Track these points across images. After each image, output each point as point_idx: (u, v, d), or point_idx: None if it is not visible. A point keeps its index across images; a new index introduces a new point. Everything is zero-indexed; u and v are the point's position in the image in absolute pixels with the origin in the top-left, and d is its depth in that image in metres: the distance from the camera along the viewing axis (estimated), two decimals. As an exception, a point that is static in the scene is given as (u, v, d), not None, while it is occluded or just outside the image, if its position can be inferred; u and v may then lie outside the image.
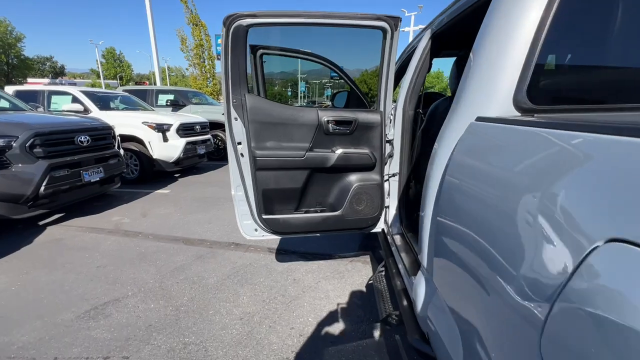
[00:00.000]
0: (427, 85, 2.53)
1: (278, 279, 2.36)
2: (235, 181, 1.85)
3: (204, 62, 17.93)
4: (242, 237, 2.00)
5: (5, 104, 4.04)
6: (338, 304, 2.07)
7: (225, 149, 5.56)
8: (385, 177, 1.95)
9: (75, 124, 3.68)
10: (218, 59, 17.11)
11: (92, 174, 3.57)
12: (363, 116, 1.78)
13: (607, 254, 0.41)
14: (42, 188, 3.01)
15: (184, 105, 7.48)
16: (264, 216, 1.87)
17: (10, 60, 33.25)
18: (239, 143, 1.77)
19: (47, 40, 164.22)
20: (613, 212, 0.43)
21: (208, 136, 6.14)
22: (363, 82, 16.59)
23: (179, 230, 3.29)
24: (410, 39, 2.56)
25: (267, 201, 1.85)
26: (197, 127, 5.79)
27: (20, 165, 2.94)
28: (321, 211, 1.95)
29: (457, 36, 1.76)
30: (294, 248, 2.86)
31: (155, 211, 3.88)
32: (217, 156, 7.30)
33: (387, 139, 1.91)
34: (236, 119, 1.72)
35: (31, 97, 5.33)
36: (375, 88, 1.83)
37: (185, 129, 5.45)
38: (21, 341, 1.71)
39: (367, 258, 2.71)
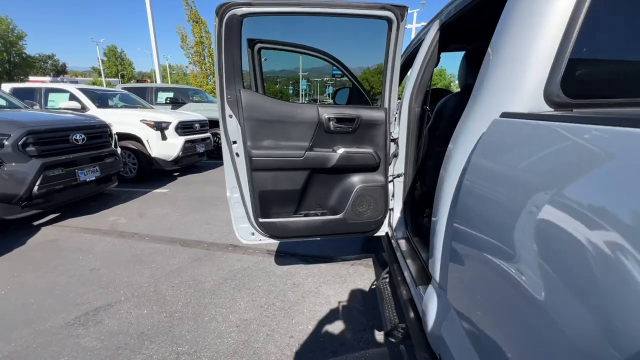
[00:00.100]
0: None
1: (277, 283, 2.27)
2: (231, 182, 1.74)
3: (204, 59, 17.84)
4: (240, 239, 1.92)
5: (1, 102, 3.96)
6: (339, 311, 1.98)
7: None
8: (390, 178, 1.85)
9: (71, 122, 3.60)
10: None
11: (87, 173, 3.49)
12: (366, 113, 1.68)
13: None
14: (36, 187, 2.93)
15: (184, 103, 7.39)
16: (261, 220, 1.77)
17: (12, 59, 33.21)
18: (234, 142, 1.66)
19: (48, 38, 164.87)
20: None
21: (208, 134, 6.05)
22: (365, 80, 16.41)
23: (176, 231, 3.20)
24: (413, 37, 2.45)
25: (264, 204, 1.75)
26: (197, 125, 5.70)
27: (12, 164, 2.86)
28: (321, 214, 1.85)
29: (468, 28, 1.65)
30: (293, 250, 2.77)
31: (153, 211, 3.80)
32: (217, 154, 7.21)
33: (391, 138, 1.80)
34: (231, 117, 1.61)
35: (28, 95, 5.25)
36: (378, 86, 1.72)
37: (184, 127, 5.36)
38: (7, 350, 1.63)
39: (370, 261, 2.61)
